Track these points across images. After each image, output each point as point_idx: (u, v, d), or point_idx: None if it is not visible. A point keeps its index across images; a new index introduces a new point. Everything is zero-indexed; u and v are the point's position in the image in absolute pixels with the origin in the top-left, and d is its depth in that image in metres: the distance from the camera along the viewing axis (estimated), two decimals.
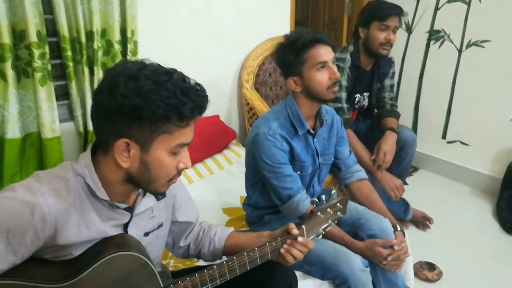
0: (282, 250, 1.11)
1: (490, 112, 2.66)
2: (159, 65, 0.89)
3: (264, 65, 2.66)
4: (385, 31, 2.03)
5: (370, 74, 2.21)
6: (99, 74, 1.97)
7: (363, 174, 1.69)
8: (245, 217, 1.69)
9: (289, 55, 1.41)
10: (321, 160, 1.56)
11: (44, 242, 0.85)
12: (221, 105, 2.68)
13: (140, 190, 1.02)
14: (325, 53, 1.39)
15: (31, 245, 0.83)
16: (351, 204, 1.61)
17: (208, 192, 2.10)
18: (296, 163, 1.49)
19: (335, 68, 1.42)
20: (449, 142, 2.95)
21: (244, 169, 1.64)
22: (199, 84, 0.90)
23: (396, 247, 1.44)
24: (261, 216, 1.61)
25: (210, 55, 2.51)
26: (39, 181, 0.86)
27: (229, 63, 2.65)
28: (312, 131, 1.51)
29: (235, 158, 2.38)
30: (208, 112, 2.60)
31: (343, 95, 2.08)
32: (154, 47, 2.21)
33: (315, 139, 1.53)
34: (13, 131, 1.82)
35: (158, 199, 1.07)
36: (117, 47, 2.00)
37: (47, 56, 1.82)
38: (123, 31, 2.02)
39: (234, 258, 1.05)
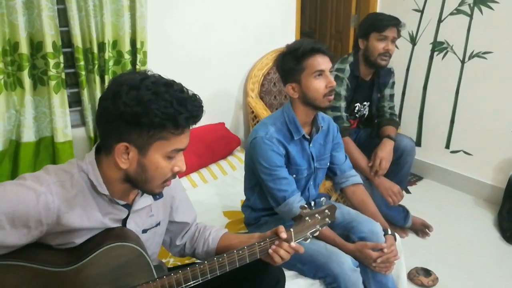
0: (270, 251, 1.17)
1: (492, 122, 2.69)
2: (160, 76, 0.98)
3: (269, 75, 2.75)
4: (383, 41, 2.10)
5: (370, 84, 2.27)
6: None
7: (358, 179, 1.75)
8: (243, 219, 1.76)
9: (289, 62, 1.49)
10: (316, 165, 1.64)
11: (47, 227, 0.94)
12: (226, 112, 2.77)
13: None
14: (323, 62, 1.47)
15: (35, 229, 0.92)
16: (344, 208, 1.68)
17: (211, 196, 2.19)
18: (292, 166, 1.57)
19: (331, 77, 1.50)
20: (452, 152, 2.97)
21: None
22: (196, 95, 0.98)
23: (385, 250, 1.49)
24: (258, 218, 1.69)
25: (216, 65, 2.62)
26: (47, 173, 0.97)
27: (235, 73, 2.75)
28: (307, 137, 1.58)
29: (238, 164, 2.46)
30: (213, 120, 2.74)
31: (342, 104, 2.15)
32: (163, 57, 2.33)
33: (310, 144, 1.60)
34: (28, 135, 1.95)
35: (155, 198, 1.15)
36: (127, 57, 2.13)
37: (62, 65, 1.95)
38: (133, 42, 2.14)
39: (225, 255, 1.12)
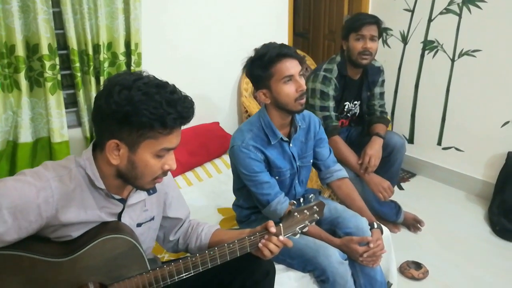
0: (260, 244, 1.21)
1: (482, 118, 2.74)
2: (154, 77, 1.02)
3: None
4: (360, 40, 2.12)
5: (359, 83, 2.31)
6: None
7: (343, 173, 1.76)
8: (235, 217, 1.81)
9: (257, 70, 1.46)
10: (299, 163, 1.65)
11: (46, 221, 0.98)
12: (221, 112, 2.82)
13: None
14: (291, 66, 1.44)
15: (35, 222, 0.96)
16: (331, 204, 1.71)
17: (205, 193, 2.23)
18: (273, 169, 1.58)
19: (302, 81, 1.47)
20: (444, 149, 3.02)
21: None
22: (187, 97, 1.02)
23: (371, 244, 1.52)
24: (248, 215, 1.73)
25: (211, 65, 2.66)
26: (46, 168, 1.01)
27: (229, 73, 2.79)
28: (285, 139, 1.59)
29: None
30: (208, 119, 2.77)
31: (331, 104, 2.18)
32: (157, 58, 2.37)
33: (291, 145, 1.61)
34: (25, 136, 1.99)
35: (149, 193, 1.19)
36: (122, 58, 2.17)
37: (58, 67, 1.99)
38: (128, 44, 2.18)
39: (216, 248, 1.17)
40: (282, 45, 1.49)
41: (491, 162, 2.75)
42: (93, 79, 2.11)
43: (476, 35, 2.67)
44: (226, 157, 2.56)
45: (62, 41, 2.11)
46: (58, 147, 2.05)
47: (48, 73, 1.96)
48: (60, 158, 2.03)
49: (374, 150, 2.11)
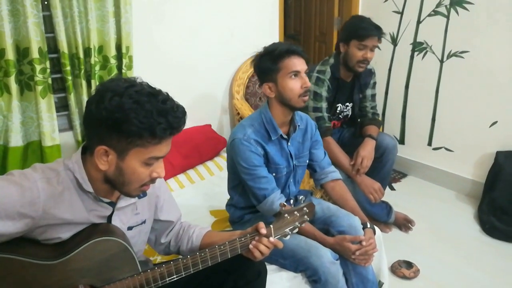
0: (250, 246, 1.22)
1: (471, 119, 2.78)
2: (147, 85, 1.01)
3: (254, 77, 2.81)
4: (362, 50, 2.13)
5: (351, 85, 2.33)
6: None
7: (337, 174, 1.80)
8: (228, 217, 1.82)
9: (266, 62, 1.54)
10: (295, 162, 1.69)
11: (32, 221, 0.98)
12: (213, 115, 2.83)
13: None
14: (298, 63, 1.52)
15: (19, 222, 0.96)
16: (324, 203, 1.74)
17: (198, 196, 2.24)
18: (271, 165, 1.62)
19: (307, 79, 1.54)
20: (434, 149, 3.06)
21: None
22: (179, 106, 1.01)
23: (364, 243, 1.54)
24: (241, 216, 1.74)
25: (202, 68, 2.67)
26: (35, 170, 1.01)
27: (221, 76, 2.81)
28: (285, 136, 1.63)
29: (225, 164, 2.49)
30: (200, 122, 2.78)
31: (324, 105, 2.20)
32: (149, 61, 2.38)
33: (289, 143, 1.65)
34: (16, 140, 1.98)
35: (139, 197, 1.20)
36: (113, 61, 2.17)
37: (48, 70, 1.99)
38: (119, 47, 2.18)
39: (207, 250, 1.17)
40: (291, 44, 1.56)
41: (480, 161, 2.79)
42: (84, 83, 2.11)
43: (463, 37, 2.71)
44: (218, 159, 2.57)
45: (52, 45, 2.11)
46: (50, 150, 2.05)
47: (39, 77, 1.96)
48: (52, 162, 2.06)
49: (367, 151, 2.13)
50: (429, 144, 3.08)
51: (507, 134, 2.62)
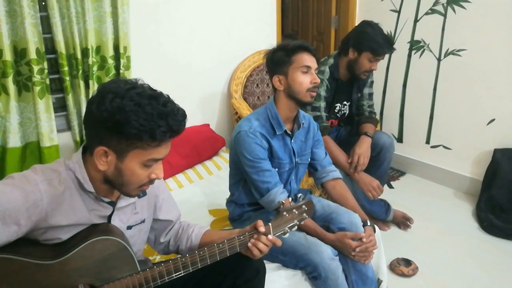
0: (249, 244, 1.22)
1: (469, 117, 2.79)
2: (148, 87, 1.01)
3: (252, 76, 2.81)
4: (373, 62, 2.16)
5: (349, 85, 2.34)
6: (94, 87, 2.14)
7: (337, 174, 1.82)
8: (228, 215, 1.82)
9: (279, 55, 1.58)
10: (298, 160, 1.71)
11: (35, 224, 0.98)
12: (211, 114, 2.83)
13: None
14: (310, 60, 1.57)
15: (24, 226, 0.96)
16: (324, 201, 1.75)
17: (197, 195, 2.24)
18: (275, 160, 1.64)
19: (316, 76, 1.58)
20: (432, 147, 3.06)
21: None
22: (179, 109, 1.01)
23: (364, 240, 1.55)
24: (242, 213, 1.75)
25: (200, 68, 2.67)
26: (35, 172, 1.01)
27: (219, 75, 2.81)
28: (289, 132, 1.65)
29: (223, 164, 2.51)
30: (199, 121, 2.78)
31: (322, 104, 2.21)
32: (147, 61, 2.38)
33: (292, 140, 1.67)
34: (14, 141, 1.98)
35: (139, 196, 1.20)
36: (110, 62, 2.17)
37: (46, 71, 1.99)
38: (116, 48, 2.18)
39: (206, 248, 1.17)
40: (304, 42, 1.62)
41: (478, 159, 2.79)
42: (82, 83, 2.11)
43: (461, 35, 2.72)
44: (217, 159, 2.57)
45: (50, 45, 2.11)
46: (48, 151, 2.04)
47: (37, 78, 1.96)
48: (50, 162, 2.06)
49: (363, 149, 2.14)
50: (427, 142, 3.09)
51: (504, 132, 2.63)
